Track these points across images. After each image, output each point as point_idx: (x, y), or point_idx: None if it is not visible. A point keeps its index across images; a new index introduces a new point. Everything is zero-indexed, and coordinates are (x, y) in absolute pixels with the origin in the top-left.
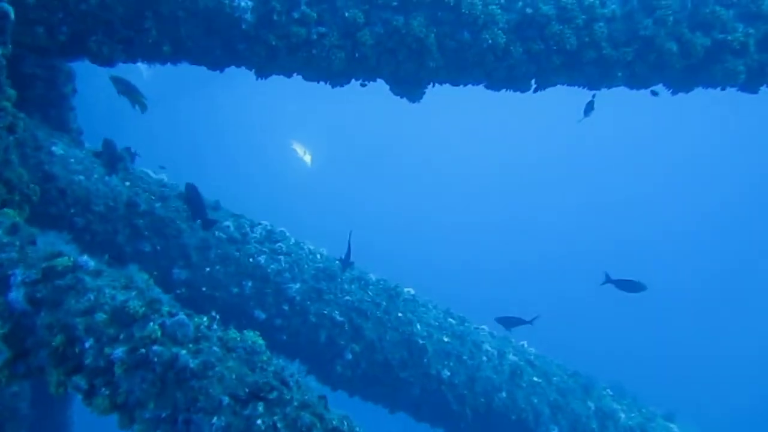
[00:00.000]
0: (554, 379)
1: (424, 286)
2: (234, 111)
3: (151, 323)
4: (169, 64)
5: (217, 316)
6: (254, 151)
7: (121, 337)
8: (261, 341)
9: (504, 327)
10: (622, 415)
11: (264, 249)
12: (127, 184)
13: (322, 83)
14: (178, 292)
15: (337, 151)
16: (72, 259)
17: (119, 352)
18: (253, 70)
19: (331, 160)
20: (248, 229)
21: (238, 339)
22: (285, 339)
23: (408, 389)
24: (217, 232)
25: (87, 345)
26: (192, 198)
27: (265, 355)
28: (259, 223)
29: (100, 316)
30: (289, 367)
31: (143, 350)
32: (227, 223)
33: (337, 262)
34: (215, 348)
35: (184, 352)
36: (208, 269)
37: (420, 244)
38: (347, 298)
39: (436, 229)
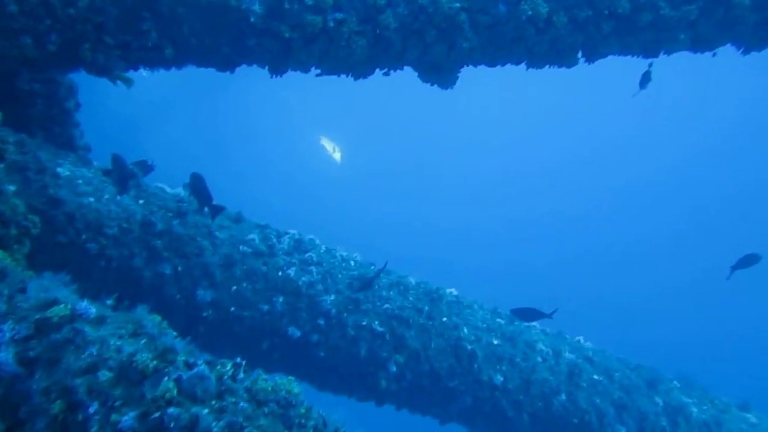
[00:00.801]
0: (616, 375)
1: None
2: (260, 110)
3: (165, 378)
4: (174, 69)
5: (243, 362)
6: (285, 149)
7: (131, 398)
8: (296, 389)
9: (519, 320)
10: (694, 409)
11: (293, 260)
12: (141, 202)
13: (343, 76)
14: (204, 314)
15: (368, 149)
16: (69, 306)
17: (128, 418)
18: (267, 68)
19: (361, 157)
20: (275, 240)
21: (270, 389)
22: (323, 355)
23: (459, 399)
24: (242, 247)
25: (91, 411)
26: (197, 187)
27: (303, 407)
28: (287, 233)
29: (105, 375)
30: (332, 417)
31: (157, 414)
32: (252, 235)
33: (372, 267)
34: (243, 404)
35: (205, 411)
36: (234, 287)
37: (445, 244)
38: (386, 306)
39: (459, 230)
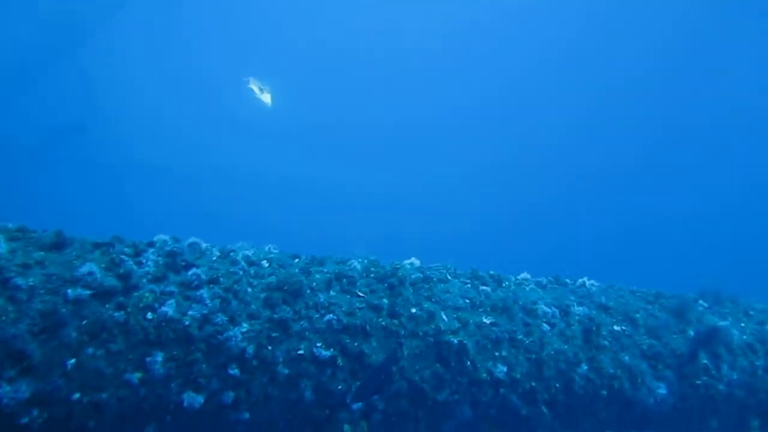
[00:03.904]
0: (638, 317)
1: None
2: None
3: None
4: None
5: None
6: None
7: None
8: None
9: None
10: (735, 333)
11: (170, 288)
12: None
13: None
14: (23, 422)
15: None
16: None
17: None
18: None
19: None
20: (131, 263)
21: None
22: (249, 417)
23: (454, 412)
24: (71, 290)
25: None
26: None
27: None
28: (150, 244)
29: None
30: None
31: None
32: (87, 267)
33: (296, 260)
34: None
35: None
36: (71, 361)
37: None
38: (329, 316)
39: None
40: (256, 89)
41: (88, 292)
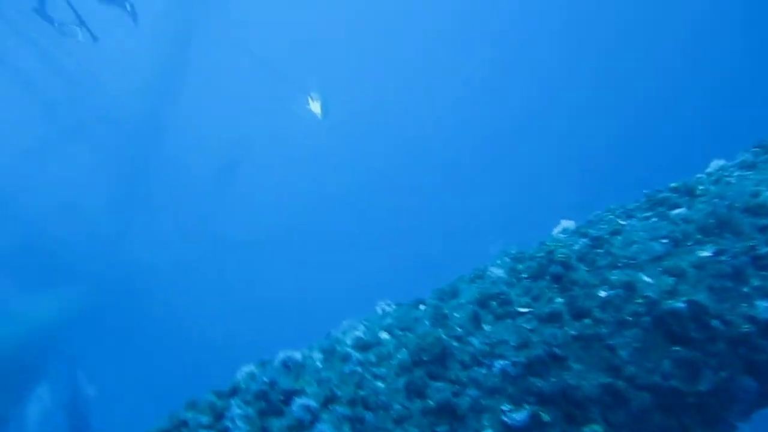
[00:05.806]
0: None
1: None
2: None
3: None
4: None
5: None
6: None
7: None
8: None
9: None
10: None
11: None
12: None
13: None
14: None
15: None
16: None
17: None
18: None
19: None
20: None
21: None
22: None
23: (733, 395)
24: None
25: None
26: None
27: None
28: (233, 392)
29: None
30: None
31: None
32: None
33: (428, 326)
34: None
35: None
36: None
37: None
38: (499, 363)
39: None
40: (311, 100)
41: None
